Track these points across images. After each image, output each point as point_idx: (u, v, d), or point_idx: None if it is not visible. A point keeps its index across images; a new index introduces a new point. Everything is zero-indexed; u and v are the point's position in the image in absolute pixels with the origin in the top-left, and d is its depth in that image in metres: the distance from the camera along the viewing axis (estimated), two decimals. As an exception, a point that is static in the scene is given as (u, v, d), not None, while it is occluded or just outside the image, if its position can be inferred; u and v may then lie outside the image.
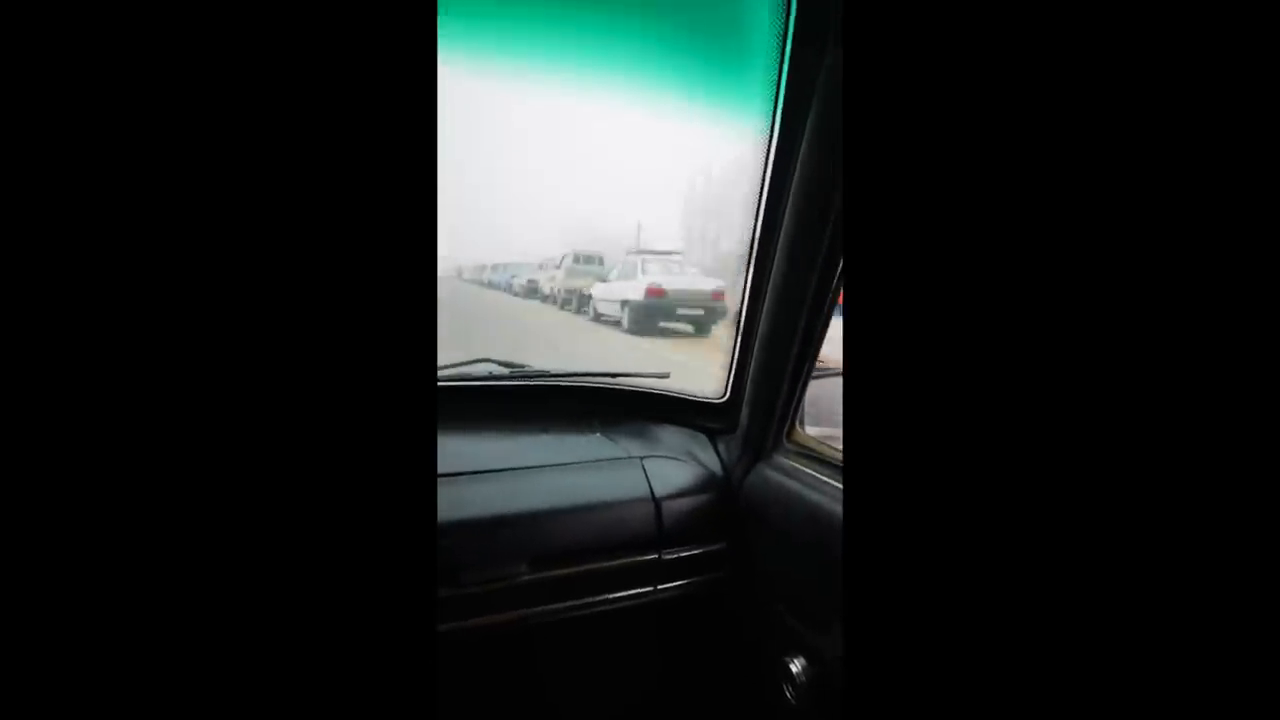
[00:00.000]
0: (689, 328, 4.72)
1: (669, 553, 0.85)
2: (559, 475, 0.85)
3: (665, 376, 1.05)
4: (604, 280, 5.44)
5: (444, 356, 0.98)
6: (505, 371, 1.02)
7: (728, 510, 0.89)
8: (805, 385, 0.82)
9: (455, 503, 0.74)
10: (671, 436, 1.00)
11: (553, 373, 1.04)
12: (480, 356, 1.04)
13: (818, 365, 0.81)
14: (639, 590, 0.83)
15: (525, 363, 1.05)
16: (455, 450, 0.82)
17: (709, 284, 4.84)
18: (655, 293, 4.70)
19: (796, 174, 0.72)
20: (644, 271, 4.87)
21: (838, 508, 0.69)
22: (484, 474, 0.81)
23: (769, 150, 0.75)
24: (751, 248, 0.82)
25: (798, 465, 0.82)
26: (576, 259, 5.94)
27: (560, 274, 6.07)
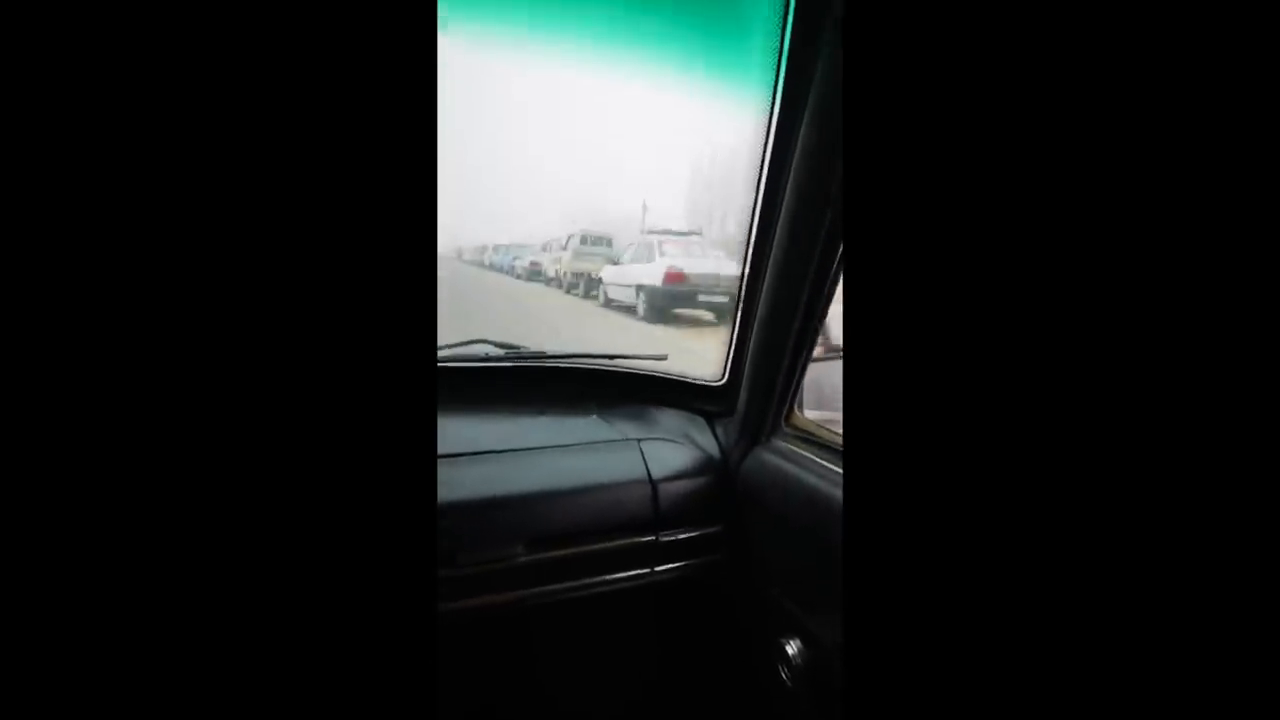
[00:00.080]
0: (709, 314, 4.14)
1: (666, 535, 0.85)
2: (556, 457, 0.85)
3: (663, 358, 1.04)
4: (615, 262, 5.01)
5: (442, 340, 0.97)
6: (501, 353, 1.02)
7: (725, 493, 0.89)
8: (805, 365, 0.81)
9: (451, 484, 0.74)
10: (669, 419, 1.00)
11: (550, 354, 1.03)
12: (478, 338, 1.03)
13: (827, 348, 0.80)
14: (635, 572, 0.83)
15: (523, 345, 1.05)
16: (451, 431, 0.82)
17: (736, 268, 4.32)
18: (675, 277, 4.14)
19: (798, 148, 0.70)
20: (661, 253, 4.30)
21: (836, 492, 0.68)
22: (480, 455, 0.81)
23: (770, 123, 0.73)
24: (752, 224, 0.80)
25: (796, 449, 0.81)
26: (584, 240, 5.61)
27: (566, 256, 5.76)
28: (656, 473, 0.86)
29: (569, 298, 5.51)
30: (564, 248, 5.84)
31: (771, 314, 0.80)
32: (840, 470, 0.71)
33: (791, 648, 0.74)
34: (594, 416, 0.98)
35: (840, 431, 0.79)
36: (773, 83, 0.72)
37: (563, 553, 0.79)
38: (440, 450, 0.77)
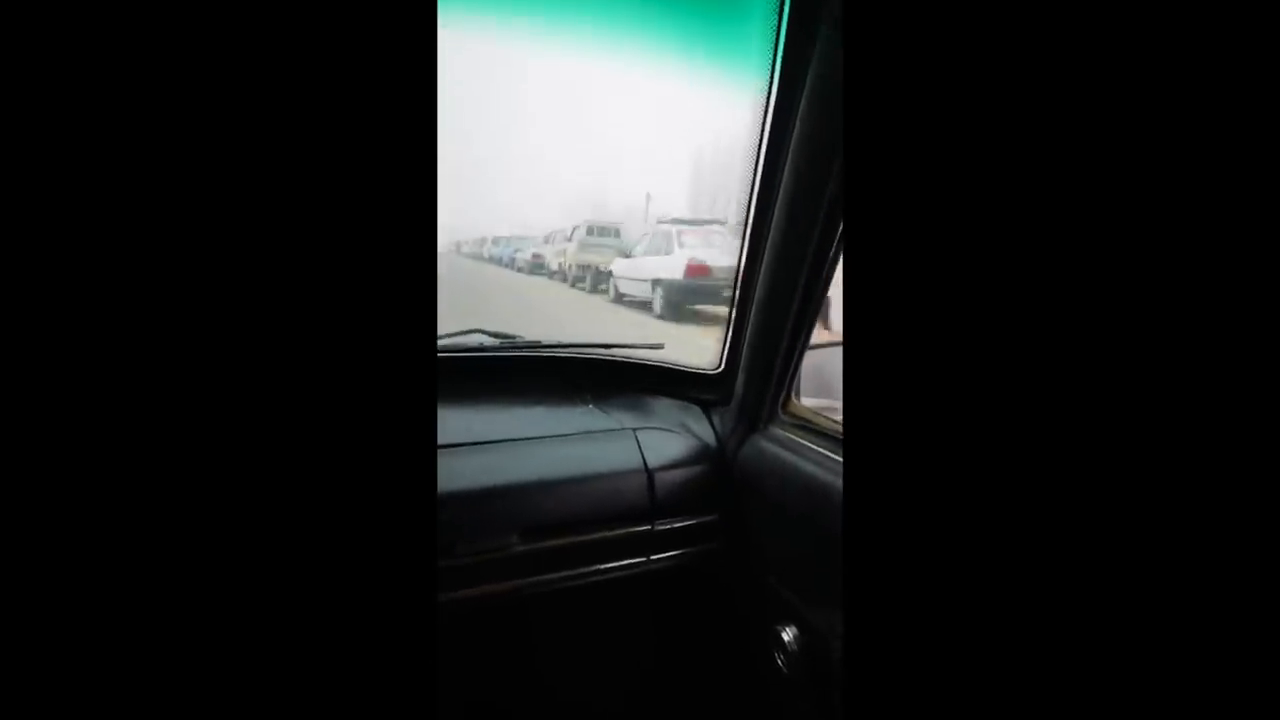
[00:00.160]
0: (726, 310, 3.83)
1: (662, 524, 0.85)
2: (551, 446, 0.85)
3: (659, 347, 1.03)
4: (625, 255, 4.61)
5: (440, 332, 0.97)
6: (496, 343, 1.01)
7: (721, 482, 0.89)
8: (804, 349, 0.80)
9: (447, 474, 0.74)
10: (665, 408, 0.99)
11: (545, 344, 1.03)
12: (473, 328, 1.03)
13: (824, 337, 0.79)
14: (632, 561, 0.83)
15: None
16: (447, 422, 0.82)
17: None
18: (698, 270, 3.72)
19: (796, 130, 0.69)
20: (681, 244, 3.89)
21: (833, 480, 0.68)
22: (476, 445, 0.81)
23: (767, 105, 0.71)
24: (749, 207, 0.79)
25: (793, 437, 0.80)
26: (590, 231, 5.14)
27: (571, 248, 5.41)
28: (652, 462, 0.85)
29: (574, 291, 5.19)
30: (568, 239, 5.50)
31: (769, 296, 0.79)
32: (837, 458, 0.71)
33: (788, 635, 0.74)
34: (590, 406, 0.98)
35: (836, 419, 0.78)
36: (770, 66, 0.70)
37: (559, 542, 0.79)
38: (437, 441, 0.77)
